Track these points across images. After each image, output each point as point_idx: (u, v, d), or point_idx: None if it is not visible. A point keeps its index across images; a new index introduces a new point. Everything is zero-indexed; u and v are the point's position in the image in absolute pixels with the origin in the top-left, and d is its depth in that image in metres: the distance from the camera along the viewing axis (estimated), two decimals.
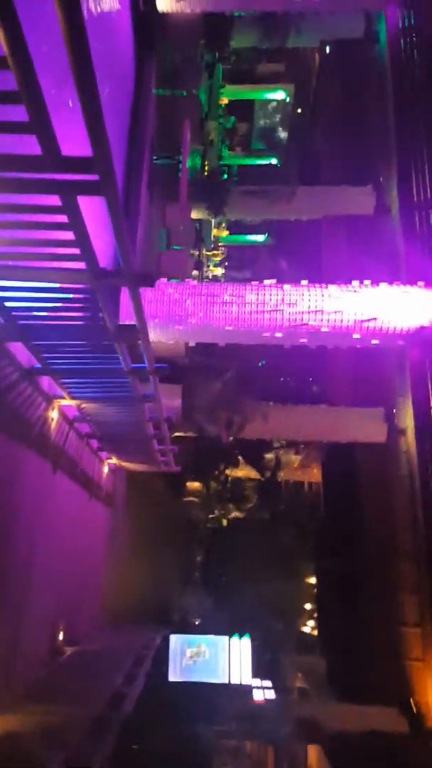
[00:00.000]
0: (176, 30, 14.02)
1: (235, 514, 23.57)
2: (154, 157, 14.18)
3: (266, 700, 11.02)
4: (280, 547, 22.39)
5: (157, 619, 15.21)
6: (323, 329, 11.01)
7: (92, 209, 4.86)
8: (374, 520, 19.29)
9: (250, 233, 34.68)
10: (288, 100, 31.74)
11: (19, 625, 7.01)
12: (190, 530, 20.27)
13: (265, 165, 29.58)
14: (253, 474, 23.11)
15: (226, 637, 11.44)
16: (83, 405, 7.63)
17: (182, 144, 14.50)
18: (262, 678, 11.87)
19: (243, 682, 11.16)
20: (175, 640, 11.43)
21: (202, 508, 22.60)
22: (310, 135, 25.38)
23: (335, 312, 10.92)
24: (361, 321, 10.92)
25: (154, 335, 11.36)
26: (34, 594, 7.62)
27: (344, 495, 20.97)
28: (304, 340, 11.27)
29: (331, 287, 11.05)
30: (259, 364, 14.81)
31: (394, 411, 17.11)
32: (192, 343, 11.90)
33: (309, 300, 10.96)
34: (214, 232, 30.59)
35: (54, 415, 7.24)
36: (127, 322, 11.09)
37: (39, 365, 6.05)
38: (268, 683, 11.51)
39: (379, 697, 14.05)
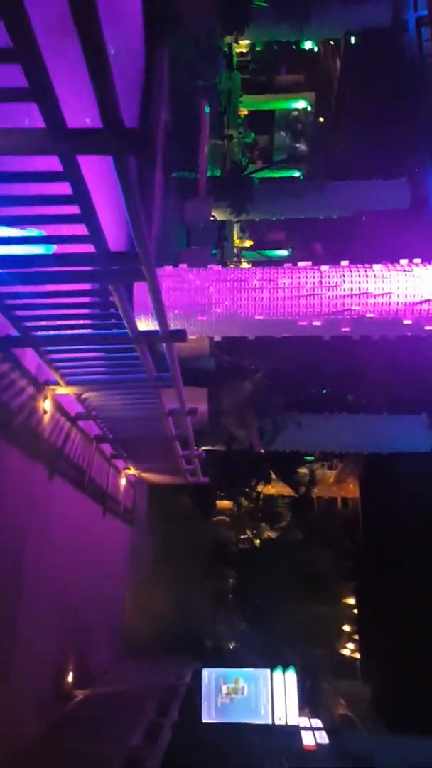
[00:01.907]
0: (190, 11, 12.82)
1: (267, 533, 21.66)
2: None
3: (318, 744, 9.13)
4: (317, 568, 20.43)
5: (186, 650, 13.37)
6: (368, 315, 9.35)
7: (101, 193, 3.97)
8: (418, 536, 17.47)
9: (275, 248, 33.37)
10: (309, 108, 30.62)
11: (9, 670, 5.42)
12: (220, 551, 18.45)
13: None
14: (286, 490, 21.25)
15: (267, 671, 9.56)
16: (85, 395, 6.10)
17: (200, 129, 13.15)
18: (311, 715, 9.94)
19: (289, 723, 9.28)
20: (208, 674, 9.63)
21: (233, 527, 20.77)
22: (335, 137, 24.01)
23: (382, 294, 9.26)
24: (413, 304, 9.23)
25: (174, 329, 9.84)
26: (33, 630, 6.03)
27: (385, 510, 19.05)
28: (346, 329, 9.61)
29: (377, 267, 9.42)
30: (291, 367, 13.15)
31: None
32: (217, 338, 10.32)
33: (351, 282, 9.34)
34: (236, 242, 29.29)
35: (46, 406, 5.72)
36: (141, 318, 9.65)
37: (18, 333, 4.55)
38: (317, 722, 9.57)
39: None
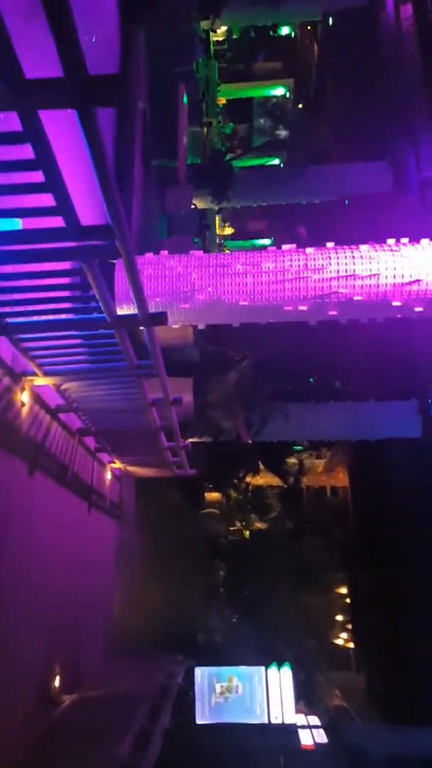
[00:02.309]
0: None
1: (257, 525, 21.47)
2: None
3: (316, 743, 8.93)
4: (307, 558, 20.32)
5: (178, 647, 13.11)
6: (356, 297, 9.06)
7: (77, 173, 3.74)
8: (409, 523, 17.40)
9: (257, 238, 33.06)
10: (288, 95, 30.26)
11: None
12: (209, 544, 18.20)
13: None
14: (274, 481, 21.06)
15: (262, 668, 9.32)
16: (64, 386, 5.75)
17: (178, 116, 12.75)
18: (307, 712, 9.74)
19: (286, 721, 9.04)
20: (201, 673, 9.36)
21: (222, 519, 20.54)
22: (314, 123, 23.70)
23: (370, 276, 8.98)
24: (402, 284, 8.96)
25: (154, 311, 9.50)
26: (16, 632, 5.70)
27: (375, 498, 18.95)
28: (333, 313, 9.32)
29: (363, 247, 9.13)
30: (278, 355, 12.87)
31: (430, 401, 15.15)
32: (201, 326, 9.99)
33: (338, 264, 9.04)
34: (218, 231, 28.93)
35: (24, 398, 5.36)
36: (123, 306, 9.30)
37: None
38: (315, 720, 9.36)
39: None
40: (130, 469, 9.43)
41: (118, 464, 8.92)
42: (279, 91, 30.42)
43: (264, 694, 9.03)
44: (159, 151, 12.88)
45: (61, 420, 6.60)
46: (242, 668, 9.75)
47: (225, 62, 29.51)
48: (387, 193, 16.68)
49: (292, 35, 28.09)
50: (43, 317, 4.40)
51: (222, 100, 30.41)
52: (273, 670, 9.15)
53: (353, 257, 9.10)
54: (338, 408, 15.79)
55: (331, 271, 9.07)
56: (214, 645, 19.27)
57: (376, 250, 9.13)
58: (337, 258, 9.11)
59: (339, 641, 23.77)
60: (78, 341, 5.00)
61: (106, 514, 9.04)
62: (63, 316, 4.47)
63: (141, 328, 4.83)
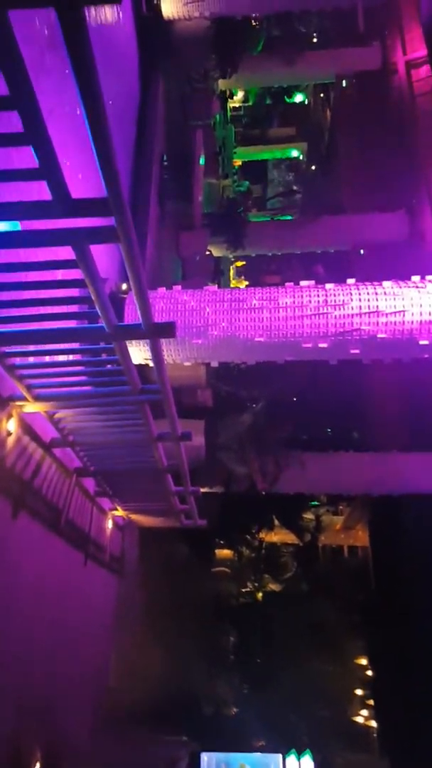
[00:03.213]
0: (185, 46, 12.62)
1: (271, 586, 19.96)
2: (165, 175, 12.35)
3: None
4: (325, 624, 18.71)
5: (181, 721, 11.64)
6: (380, 335, 8.43)
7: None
8: None
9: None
10: (302, 158, 31.02)
11: None
12: (219, 605, 16.81)
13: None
14: (289, 538, 19.73)
15: (278, 756, 7.97)
16: (58, 414, 5.04)
17: (194, 154, 12.67)
18: None
19: None
20: (207, 760, 8.03)
21: (233, 579, 19.13)
22: (327, 183, 23.99)
23: (394, 313, 8.37)
24: (429, 322, 8.33)
25: (168, 355, 8.92)
26: None
27: (398, 559, 17.54)
28: (355, 351, 8.66)
29: (387, 283, 8.59)
30: (293, 399, 12.10)
31: None
32: (215, 364, 9.35)
33: (360, 300, 8.47)
34: (233, 283, 28.94)
35: (10, 426, 4.64)
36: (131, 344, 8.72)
37: None
38: None
39: None
40: (134, 517, 8.54)
41: (120, 512, 8.05)
42: (293, 153, 31.23)
43: None
44: (175, 195, 12.73)
45: (55, 456, 5.86)
46: (256, 755, 8.42)
47: (241, 127, 30.57)
48: (402, 243, 16.41)
49: (306, 102, 29.05)
50: (32, 325, 3.75)
51: (238, 162, 31.28)
52: (292, 758, 7.83)
53: (376, 293, 8.53)
54: (358, 459, 14.82)
55: (353, 308, 8.48)
56: (223, 719, 17.49)
57: (400, 287, 8.57)
58: (359, 294, 8.56)
59: (359, 719, 21.58)
60: (74, 358, 4.33)
61: (105, 567, 8.09)
62: (56, 325, 3.82)
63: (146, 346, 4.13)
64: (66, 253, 3.21)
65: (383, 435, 15.28)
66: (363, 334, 8.44)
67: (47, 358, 4.27)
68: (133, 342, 9.05)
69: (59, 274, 3.84)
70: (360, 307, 8.45)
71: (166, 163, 11.98)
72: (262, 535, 18.26)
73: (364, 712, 21.27)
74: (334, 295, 8.56)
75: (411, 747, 17.16)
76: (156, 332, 3.83)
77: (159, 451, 5.90)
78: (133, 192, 11.53)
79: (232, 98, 28.45)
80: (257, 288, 9.02)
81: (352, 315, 8.46)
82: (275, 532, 19.12)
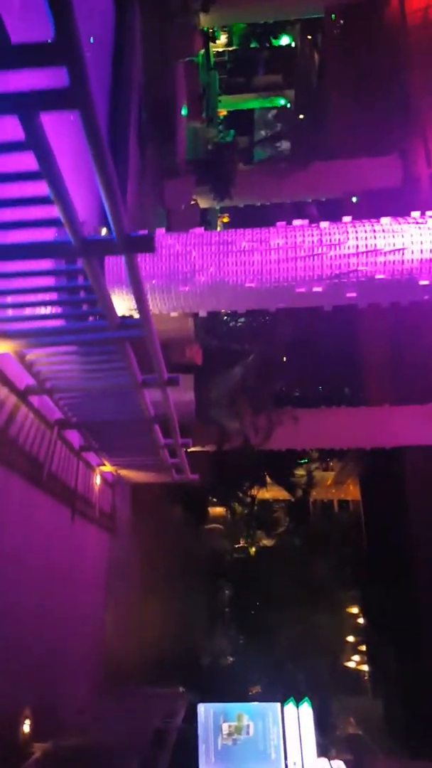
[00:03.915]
0: None
1: (264, 541, 19.96)
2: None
3: None
4: (317, 576, 18.80)
5: (179, 674, 11.58)
6: (378, 276, 7.87)
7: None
8: (427, 538, 15.99)
9: None
10: (289, 106, 29.64)
11: None
12: (213, 561, 16.72)
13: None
14: (281, 494, 19.62)
15: (277, 705, 7.83)
16: (30, 356, 4.50)
17: (176, 93, 11.70)
18: (331, 755, 8.21)
19: None
20: (205, 711, 7.88)
21: (227, 535, 19.06)
22: (317, 126, 22.83)
23: (393, 251, 7.80)
24: (430, 261, 7.78)
25: (153, 304, 8.34)
26: None
27: (389, 511, 17.51)
28: (352, 295, 8.11)
29: (385, 220, 7.98)
30: (284, 354, 11.60)
31: None
32: (202, 313, 8.78)
33: (357, 238, 7.87)
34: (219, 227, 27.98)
35: None
36: (114, 289, 8.10)
37: None
38: (340, 765, 7.85)
39: None
40: (124, 473, 8.12)
41: (108, 467, 7.62)
42: (280, 102, 29.82)
43: (280, 735, 7.55)
44: (156, 139, 11.83)
45: (33, 407, 5.34)
46: (254, 705, 8.25)
47: (225, 74, 29.02)
48: (396, 190, 15.66)
49: (292, 45, 27.52)
50: None
51: (223, 112, 29.84)
52: (290, 706, 7.70)
53: (374, 231, 7.93)
54: (350, 414, 14.52)
55: (349, 247, 7.89)
56: (220, 670, 17.68)
57: (399, 224, 7.97)
58: (356, 232, 7.95)
59: (351, 664, 22.09)
60: (40, 284, 3.75)
61: (95, 524, 7.71)
62: (12, 240, 3.22)
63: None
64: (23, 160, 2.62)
65: (374, 389, 14.92)
66: (360, 275, 7.88)
67: (11, 282, 3.68)
68: (115, 290, 8.47)
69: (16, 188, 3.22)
70: (357, 247, 7.86)
71: (145, 100, 11.08)
72: (254, 491, 18.09)
73: (356, 658, 21.76)
74: (330, 235, 7.95)
75: (401, 688, 17.59)
76: (131, 246, 3.26)
77: (145, 398, 5.40)
78: (111, 135, 10.66)
79: (215, 42, 26.85)
80: (247, 229, 8.37)
81: (349, 255, 7.88)
82: (267, 488, 18.98)
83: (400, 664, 17.76)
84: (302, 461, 19.66)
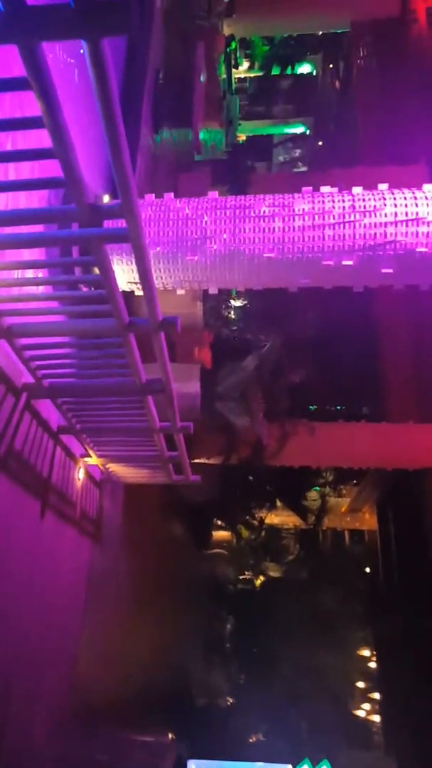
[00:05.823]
0: None
1: (271, 572, 18.21)
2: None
3: None
4: (327, 614, 17.01)
5: (166, 720, 9.80)
6: (420, 249, 6.61)
7: None
8: None
9: None
10: (308, 132, 29.30)
11: None
12: (215, 589, 15.05)
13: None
14: (290, 520, 17.96)
15: (288, 767, 6.15)
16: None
17: (193, 78, 10.79)
18: None
19: None
20: None
21: (231, 562, 17.38)
22: (336, 152, 22.18)
23: None
24: None
25: (157, 276, 7.17)
26: None
27: (409, 543, 15.81)
28: (388, 271, 6.83)
29: (428, 186, 6.78)
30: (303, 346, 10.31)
31: None
32: (213, 290, 7.56)
33: (395, 205, 6.66)
34: None
35: None
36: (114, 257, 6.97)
37: None
38: None
39: None
40: (113, 468, 6.74)
41: (94, 459, 6.26)
42: (299, 129, 29.53)
43: None
44: (172, 118, 10.91)
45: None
46: (258, 765, 6.56)
47: (246, 100, 28.91)
48: None
49: (314, 73, 27.31)
50: None
51: (242, 137, 29.55)
52: None
53: (415, 197, 6.71)
54: (371, 430, 13.09)
55: (386, 214, 6.65)
56: (217, 713, 15.76)
57: None
58: (394, 199, 6.74)
59: (361, 713, 19.90)
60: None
61: (74, 527, 6.30)
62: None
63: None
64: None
65: (396, 404, 13.52)
66: (398, 247, 6.63)
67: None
68: (114, 257, 7.31)
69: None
70: (396, 214, 6.63)
71: (161, 81, 10.21)
72: (262, 514, 16.48)
73: (367, 706, 19.59)
74: (363, 201, 6.76)
75: (418, 744, 15.49)
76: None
77: (136, 359, 4.11)
78: (123, 111, 9.70)
79: (237, 68, 26.70)
80: (267, 195, 7.22)
81: (386, 224, 6.65)
82: (275, 513, 17.37)
83: (416, 716, 15.74)
84: (316, 488, 18.11)
